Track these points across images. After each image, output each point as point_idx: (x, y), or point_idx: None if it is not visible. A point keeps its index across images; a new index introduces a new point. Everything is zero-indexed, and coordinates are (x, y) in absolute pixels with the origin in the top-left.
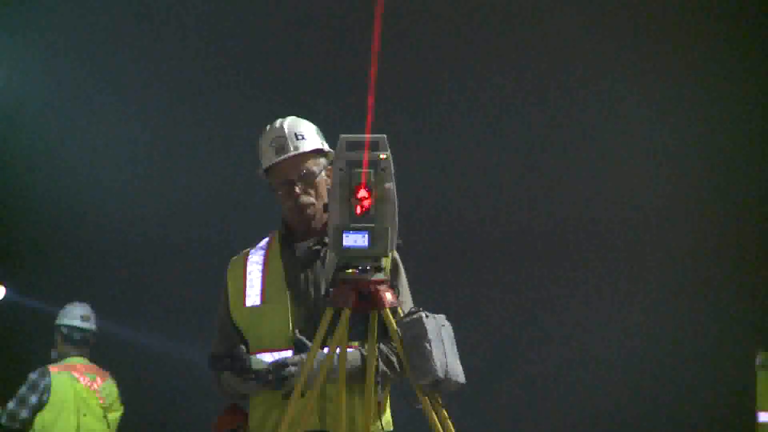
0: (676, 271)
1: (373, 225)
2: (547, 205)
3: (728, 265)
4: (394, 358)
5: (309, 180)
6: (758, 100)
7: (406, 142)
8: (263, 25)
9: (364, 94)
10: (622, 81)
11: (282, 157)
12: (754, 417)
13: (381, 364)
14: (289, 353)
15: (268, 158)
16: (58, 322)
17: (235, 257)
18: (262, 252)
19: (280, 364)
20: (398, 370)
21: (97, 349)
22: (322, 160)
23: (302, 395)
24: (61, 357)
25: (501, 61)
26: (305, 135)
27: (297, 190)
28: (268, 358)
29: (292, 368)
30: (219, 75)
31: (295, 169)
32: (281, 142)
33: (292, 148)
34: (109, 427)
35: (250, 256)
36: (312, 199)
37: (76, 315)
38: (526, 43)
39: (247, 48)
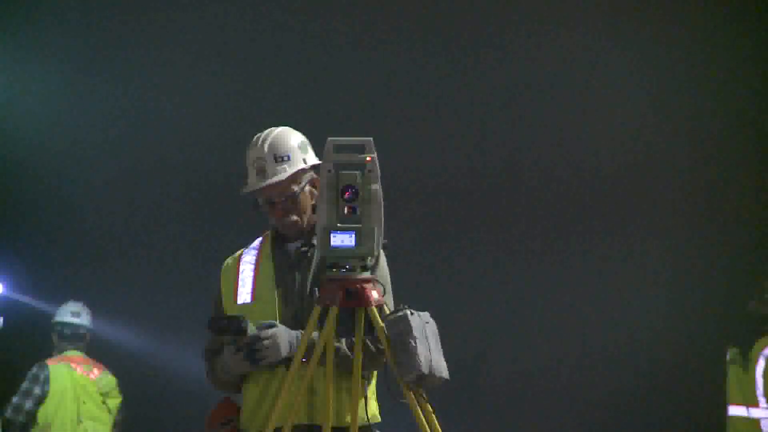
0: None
1: (359, 225)
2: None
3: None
4: (372, 347)
5: (290, 201)
6: (749, 43)
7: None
8: (258, 31)
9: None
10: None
11: (261, 185)
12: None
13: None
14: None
15: (251, 181)
16: (53, 320)
17: (229, 257)
18: (254, 252)
19: (254, 337)
20: (378, 353)
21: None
22: (306, 176)
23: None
24: (59, 352)
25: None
26: (288, 155)
27: (279, 210)
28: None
29: (266, 341)
30: (213, 79)
31: (275, 192)
32: (262, 165)
33: (270, 174)
34: (110, 412)
35: (243, 256)
36: (294, 217)
37: (66, 312)
38: None
39: (242, 55)
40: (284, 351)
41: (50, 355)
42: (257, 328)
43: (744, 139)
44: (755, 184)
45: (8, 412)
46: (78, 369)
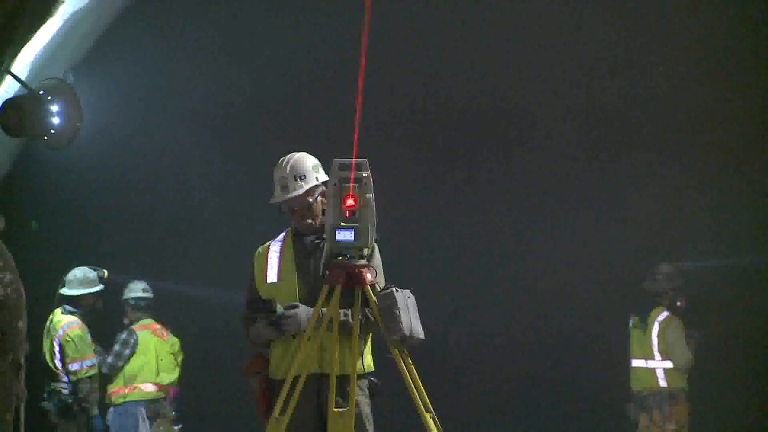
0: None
1: (357, 224)
2: None
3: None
4: (369, 316)
5: (306, 209)
6: None
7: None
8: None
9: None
10: None
11: (285, 198)
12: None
13: (363, 319)
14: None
15: (277, 194)
16: (125, 296)
17: (260, 247)
18: (279, 244)
19: (280, 315)
20: (372, 321)
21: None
22: (318, 189)
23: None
24: (134, 321)
25: None
26: (304, 175)
27: (298, 215)
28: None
29: (288, 319)
30: (246, 113)
31: (295, 203)
32: (285, 182)
33: (291, 189)
34: (177, 365)
35: (271, 246)
36: (309, 220)
37: (138, 289)
38: None
39: (271, 92)
40: (303, 326)
41: (122, 323)
42: (283, 308)
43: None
44: None
45: (105, 369)
46: (156, 334)
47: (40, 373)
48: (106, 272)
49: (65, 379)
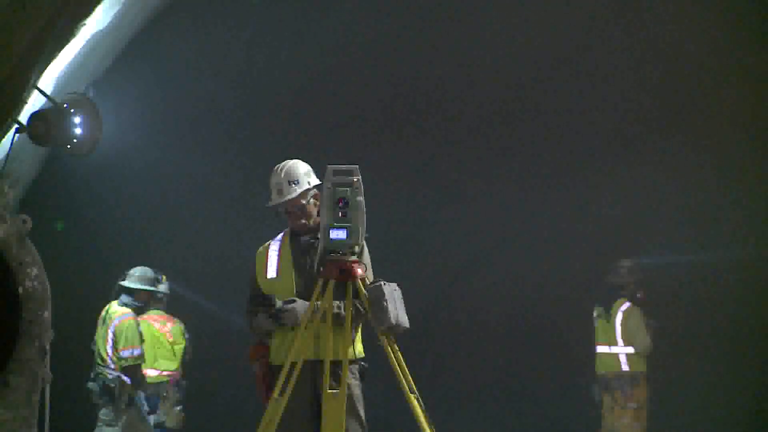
0: None
1: (349, 224)
2: None
3: None
4: (360, 307)
5: (299, 210)
6: None
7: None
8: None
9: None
10: None
11: (280, 201)
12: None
13: (354, 310)
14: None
15: (273, 198)
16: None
17: (261, 247)
18: (278, 243)
19: (279, 309)
20: (362, 311)
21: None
22: (310, 192)
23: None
24: (145, 310)
25: None
26: (298, 180)
27: (293, 216)
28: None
29: (286, 312)
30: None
31: (289, 205)
32: (280, 187)
33: (286, 193)
34: (174, 355)
35: (270, 246)
36: (303, 221)
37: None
38: None
39: (273, 108)
40: (299, 318)
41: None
42: (282, 303)
43: None
44: None
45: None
46: (155, 324)
47: (85, 358)
48: (164, 277)
49: (112, 365)
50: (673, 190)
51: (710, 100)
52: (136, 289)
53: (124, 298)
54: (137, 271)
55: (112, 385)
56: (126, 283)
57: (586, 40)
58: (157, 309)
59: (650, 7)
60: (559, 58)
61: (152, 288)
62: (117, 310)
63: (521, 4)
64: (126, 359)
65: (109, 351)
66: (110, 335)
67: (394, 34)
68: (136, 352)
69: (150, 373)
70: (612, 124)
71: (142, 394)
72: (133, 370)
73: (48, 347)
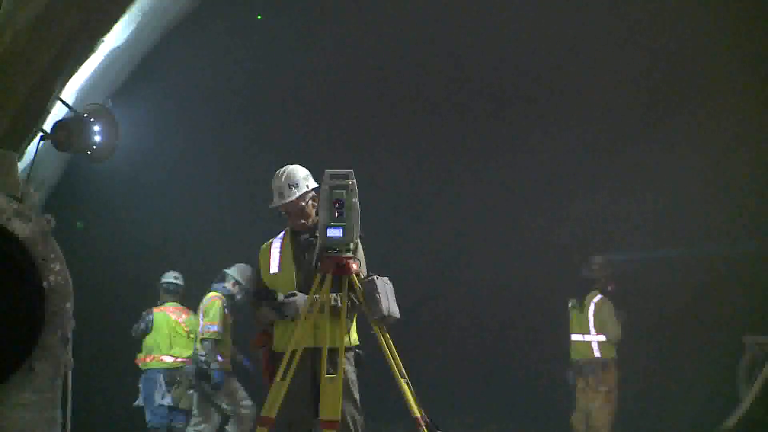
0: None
1: (345, 224)
2: None
3: None
4: (355, 299)
5: (299, 211)
6: None
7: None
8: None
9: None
10: None
11: (281, 203)
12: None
13: (349, 302)
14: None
15: (275, 200)
16: (160, 281)
17: (264, 244)
18: (279, 241)
19: (281, 301)
20: (357, 303)
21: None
22: (309, 194)
23: (304, 319)
24: (162, 303)
25: None
26: (297, 183)
27: (293, 217)
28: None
29: (288, 304)
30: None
31: (290, 207)
32: (281, 190)
33: (287, 196)
34: (192, 341)
35: (272, 243)
36: (302, 221)
37: (171, 275)
38: None
39: (275, 117)
40: (300, 310)
41: (156, 304)
42: (284, 296)
43: None
44: None
45: (133, 334)
46: (172, 315)
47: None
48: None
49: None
50: (642, 192)
51: (687, 105)
52: (230, 276)
53: (220, 284)
54: (242, 264)
55: (203, 364)
56: (226, 269)
57: (573, 42)
58: (174, 301)
59: (644, 8)
60: (546, 59)
61: (242, 281)
62: (210, 292)
63: (512, 4)
64: (204, 333)
65: (200, 327)
66: (201, 313)
67: (386, 33)
68: (214, 328)
69: (166, 359)
70: (593, 125)
71: (216, 371)
72: (209, 343)
73: (70, 336)
